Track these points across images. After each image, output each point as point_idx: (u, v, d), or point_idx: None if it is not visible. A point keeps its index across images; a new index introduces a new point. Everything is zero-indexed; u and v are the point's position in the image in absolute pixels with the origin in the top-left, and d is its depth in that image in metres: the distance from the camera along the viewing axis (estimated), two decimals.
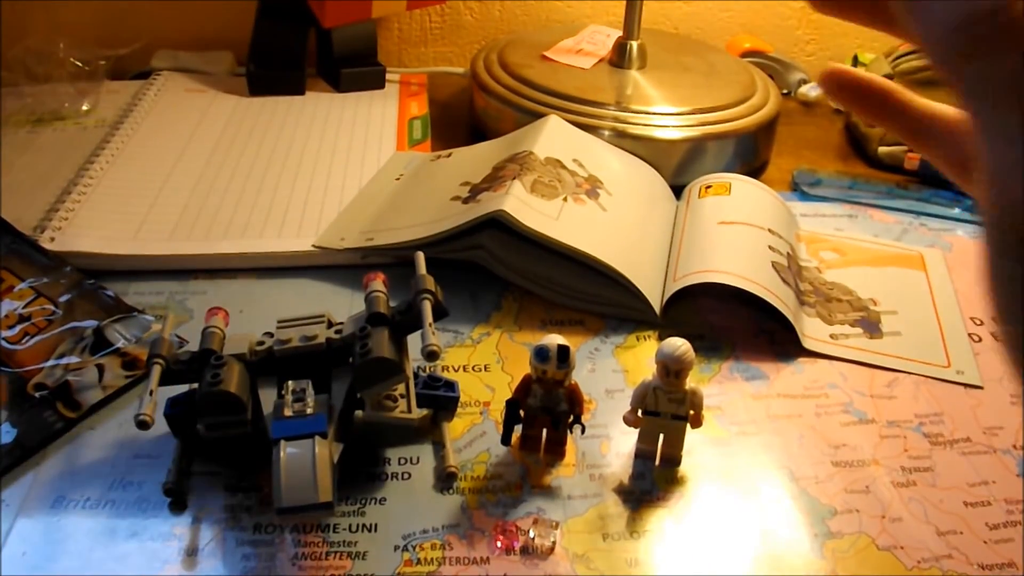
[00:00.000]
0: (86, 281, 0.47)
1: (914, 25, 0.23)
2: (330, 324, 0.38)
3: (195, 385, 0.36)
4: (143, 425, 0.32)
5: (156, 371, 0.35)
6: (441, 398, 0.40)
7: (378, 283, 0.37)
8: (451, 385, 0.40)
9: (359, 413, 0.36)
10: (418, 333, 0.35)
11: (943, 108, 0.32)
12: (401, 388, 0.37)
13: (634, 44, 0.66)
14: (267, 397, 0.36)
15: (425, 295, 0.36)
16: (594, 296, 0.48)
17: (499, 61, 0.68)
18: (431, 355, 0.33)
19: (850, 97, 0.32)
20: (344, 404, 0.35)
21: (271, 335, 0.37)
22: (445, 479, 0.37)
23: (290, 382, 0.35)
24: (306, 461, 0.32)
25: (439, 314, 0.36)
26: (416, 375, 0.39)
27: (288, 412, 0.34)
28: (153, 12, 0.78)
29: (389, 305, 0.37)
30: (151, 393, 0.34)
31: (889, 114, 0.33)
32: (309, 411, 0.34)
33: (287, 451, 0.32)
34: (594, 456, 0.39)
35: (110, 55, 0.72)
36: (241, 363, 0.36)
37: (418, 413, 0.37)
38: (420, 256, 0.38)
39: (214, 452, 0.37)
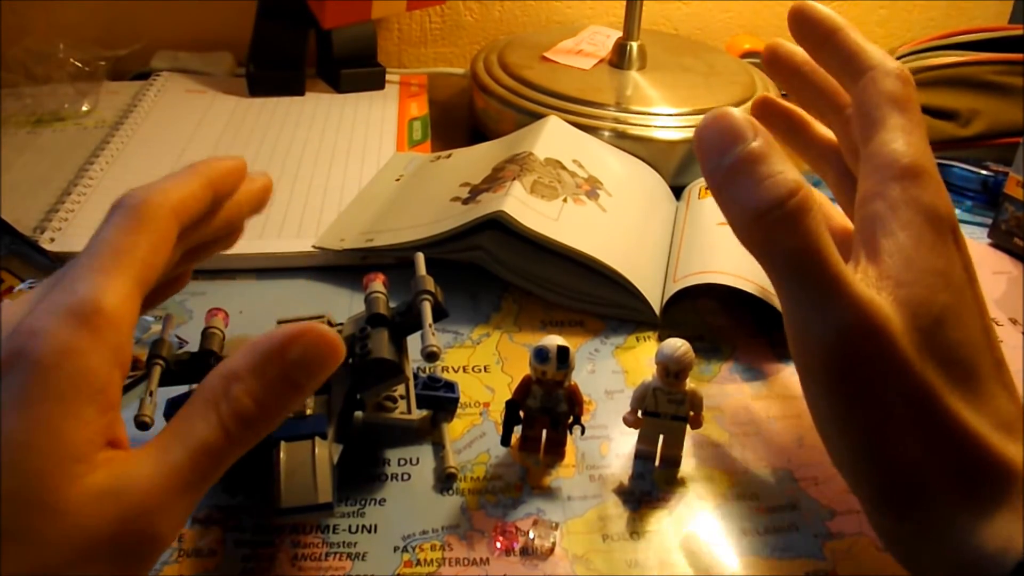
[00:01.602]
0: None
1: (729, 222, 0.30)
2: (330, 324, 0.38)
3: (195, 386, 0.36)
4: (143, 426, 0.32)
5: (156, 372, 0.35)
6: (441, 399, 0.40)
7: (378, 284, 0.37)
8: (451, 386, 0.40)
9: (359, 414, 0.36)
10: (418, 334, 0.35)
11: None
12: (401, 389, 0.37)
13: (634, 45, 0.66)
14: None
15: (425, 296, 0.36)
16: (594, 297, 0.48)
17: (499, 62, 0.68)
18: (431, 356, 0.33)
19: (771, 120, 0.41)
20: (344, 405, 0.35)
21: None
22: (445, 480, 0.37)
23: None
24: (306, 462, 0.32)
25: (439, 315, 0.36)
26: (416, 376, 0.39)
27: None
28: (153, 13, 0.78)
29: (389, 306, 0.37)
30: (151, 394, 0.34)
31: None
32: (309, 412, 0.34)
33: (287, 452, 0.32)
34: (594, 457, 0.39)
35: (110, 56, 0.72)
36: None
37: (418, 414, 0.37)
38: (420, 257, 0.38)
39: None
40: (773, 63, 0.40)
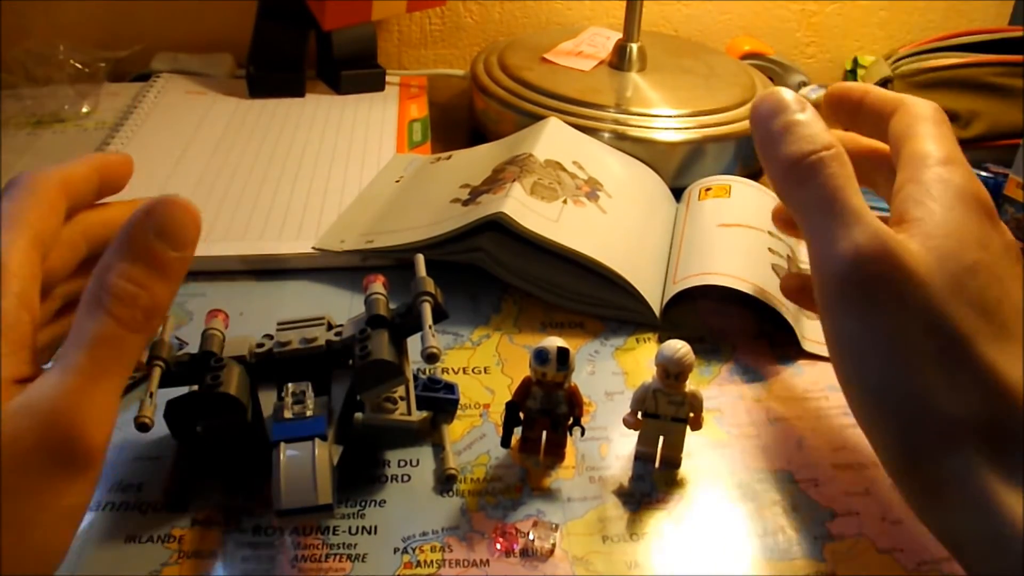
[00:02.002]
0: None
1: (768, 178, 0.33)
2: (330, 326, 0.38)
3: (195, 387, 0.36)
4: (143, 428, 0.32)
5: (156, 373, 0.35)
6: (441, 400, 0.39)
7: (378, 285, 0.37)
8: (451, 387, 0.40)
9: (359, 415, 0.36)
10: (418, 335, 0.35)
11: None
12: (401, 390, 0.37)
13: (634, 46, 0.66)
14: (266, 399, 0.36)
15: (425, 297, 0.36)
16: (594, 298, 0.48)
17: (499, 63, 0.68)
18: (431, 357, 0.33)
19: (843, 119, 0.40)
20: (344, 406, 0.35)
21: (271, 337, 0.37)
22: (445, 481, 0.37)
23: (290, 384, 0.35)
24: (306, 463, 0.32)
25: (439, 316, 0.36)
26: (416, 377, 0.39)
27: (288, 414, 0.34)
28: (153, 14, 0.78)
29: (389, 307, 0.37)
30: (151, 395, 0.34)
31: None
32: (309, 413, 0.34)
33: (287, 453, 0.32)
34: (594, 458, 0.39)
35: (110, 57, 0.72)
36: (241, 365, 0.36)
37: (418, 415, 0.37)
38: (420, 258, 0.38)
39: (214, 454, 0.37)
40: (836, 107, 0.40)
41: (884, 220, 0.31)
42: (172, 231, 0.28)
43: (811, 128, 0.32)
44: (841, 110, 0.38)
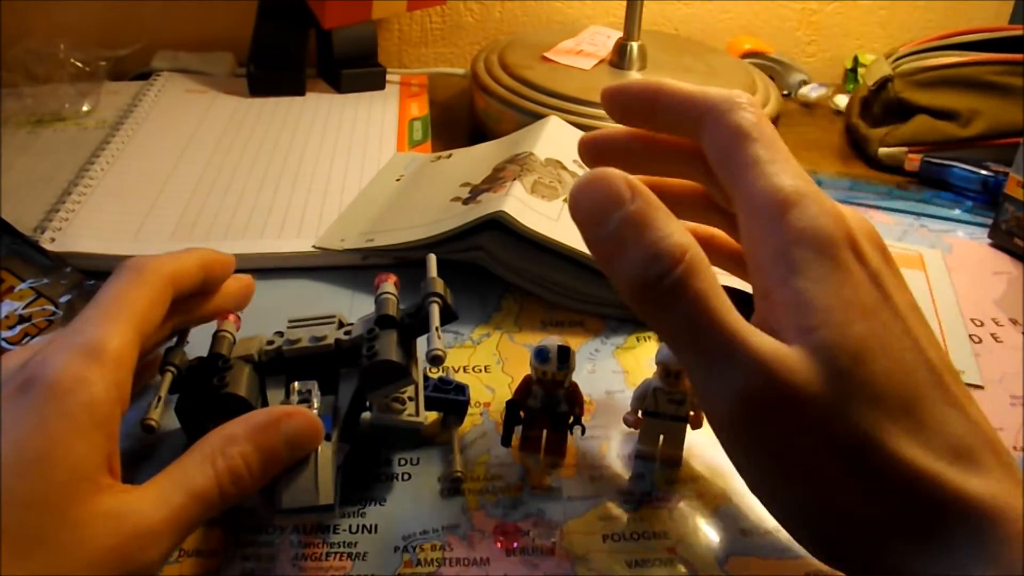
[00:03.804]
0: (86, 282, 0.47)
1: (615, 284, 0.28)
2: (341, 325, 0.38)
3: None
4: (149, 429, 0.33)
5: (167, 379, 0.35)
6: (451, 402, 0.39)
7: (389, 285, 0.37)
8: (462, 389, 0.40)
9: (366, 415, 0.36)
10: (425, 336, 0.35)
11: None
12: (410, 391, 0.37)
13: (634, 45, 0.66)
14: (275, 397, 0.36)
15: (434, 298, 0.36)
16: (594, 297, 0.48)
17: (499, 62, 0.68)
18: (435, 360, 0.33)
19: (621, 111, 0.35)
20: (351, 406, 0.35)
21: (281, 334, 0.38)
22: (451, 483, 0.37)
23: (296, 383, 0.35)
24: (308, 463, 0.32)
25: (448, 318, 0.36)
26: (427, 379, 0.39)
27: None
28: (153, 13, 0.78)
29: (399, 308, 0.37)
30: (159, 399, 0.34)
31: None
32: (314, 412, 0.34)
33: None
34: (594, 457, 0.39)
35: (110, 56, 0.72)
36: (249, 365, 0.36)
37: (426, 417, 0.37)
38: (432, 259, 0.38)
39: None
40: (596, 158, 0.36)
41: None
42: (298, 441, 0.31)
43: (656, 229, 0.26)
44: (633, 108, 0.33)
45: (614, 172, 0.27)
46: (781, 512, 0.28)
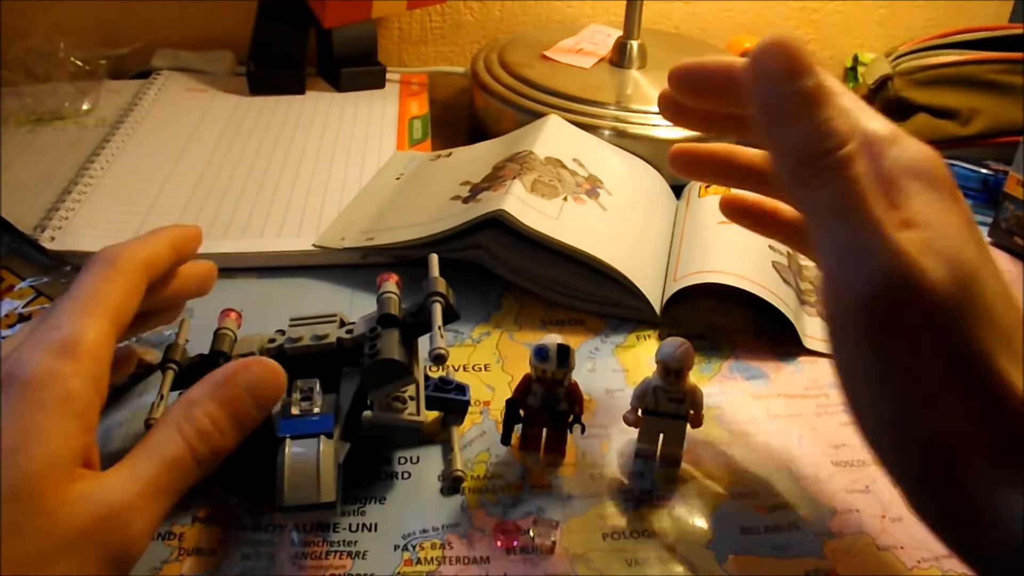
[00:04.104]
0: None
1: (771, 155, 0.29)
2: (342, 323, 0.38)
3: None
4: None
5: (168, 376, 0.35)
6: (451, 401, 0.39)
7: (391, 284, 0.37)
8: (462, 388, 0.40)
9: (367, 414, 0.36)
10: (427, 335, 0.35)
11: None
12: (411, 390, 0.37)
13: (634, 44, 0.66)
14: None
15: (436, 298, 0.36)
16: (594, 296, 0.48)
17: (499, 61, 0.68)
18: (438, 359, 0.33)
19: (694, 170, 0.38)
20: (352, 404, 0.36)
21: (283, 332, 0.38)
22: (452, 482, 0.37)
23: (298, 381, 0.35)
24: (310, 461, 0.32)
25: (450, 317, 0.36)
26: (427, 378, 0.39)
27: (295, 410, 0.34)
28: (153, 12, 0.78)
29: (401, 307, 0.37)
30: (162, 398, 0.34)
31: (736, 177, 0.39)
32: (316, 410, 0.34)
33: (292, 450, 0.32)
34: (594, 456, 0.39)
35: (110, 54, 0.72)
36: None
37: (427, 415, 0.37)
38: (434, 258, 0.38)
39: None
40: (685, 168, 0.39)
41: None
42: (260, 390, 0.31)
43: (830, 109, 0.27)
44: (703, 89, 0.33)
45: (804, 45, 0.28)
46: (880, 421, 0.27)
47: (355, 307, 0.47)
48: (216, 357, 0.36)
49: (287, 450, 0.32)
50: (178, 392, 0.36)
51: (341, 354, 0.37)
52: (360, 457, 0.37)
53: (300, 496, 0.31)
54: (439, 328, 0.34)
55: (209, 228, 0.52)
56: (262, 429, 0.35)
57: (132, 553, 0.27)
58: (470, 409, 0.40)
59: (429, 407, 0.38)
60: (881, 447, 0.28)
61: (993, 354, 0.26)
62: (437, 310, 0.35)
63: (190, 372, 0.36)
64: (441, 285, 0.36)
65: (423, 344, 0.36)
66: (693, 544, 0.35)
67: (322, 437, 0.33)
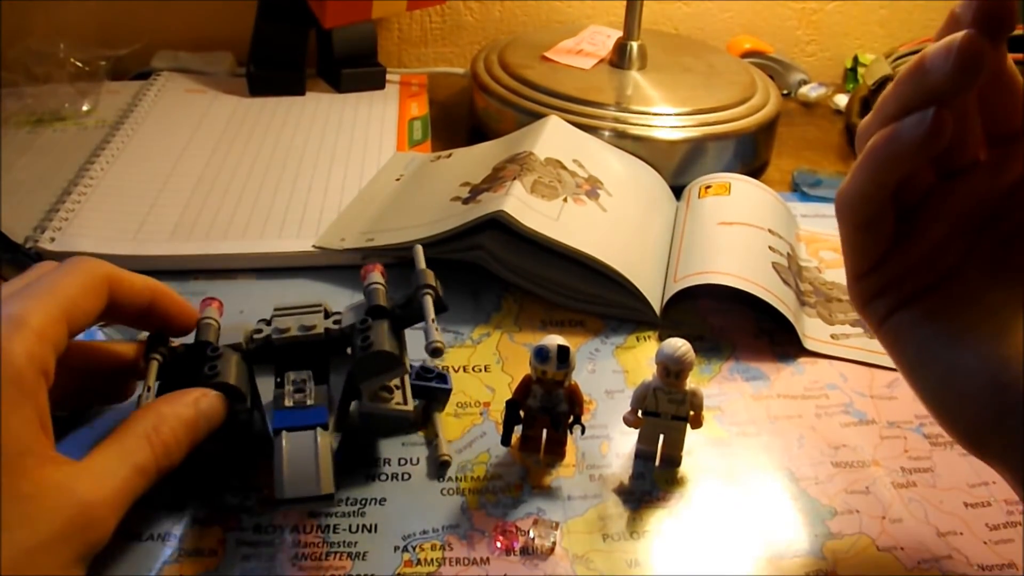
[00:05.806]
0: None
1: None
2: (327, 313, 0.38)
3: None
4: None
5: (153, 366, 0.35)
6: (433, 389, 0.40)
7: (376, 274, 0.37)
8: (443, 377, 0.40)
9: (355, 404, 0.36)
10: (418, 327, 0.35)
11: None
12: (397, 380, 0.37)
13: (634, 45, 0.66)
14: (263, 386, 0.36)
15: (427, 290, 0.36)
16: (594, 297, 0.48)
17: (499, 61, 0.68)
18: (435, 352, 0.33)
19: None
20: (341, 395, 0.36)
21: (268, 322, 0.37)
22: (439, 468, 0.37)
23: (290, 373, 0.35)
24: (309, 453, 0.32)
25: (439, 309, 0.36)
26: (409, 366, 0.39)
27: (288, 402, 0.34)
28: (153, 12, 0.78)
29: (388, 297, 0.37)
30: (149, 389, 0.34)
31: None
32: (310, 402, 0.34)
33: (289, 442, 0.32)
34: (594, 457, 0.39)
35: (110, 55, 0.72)
36: (237, 353, 0.36)
37: (413, 404, 0.37)
38: (419, 250, 0.38)
39: (212, 442, 0.37)
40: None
41: None
42: (212, 419, 0.34)
43: None
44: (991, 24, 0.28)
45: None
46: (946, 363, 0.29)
47: None
48: (203, 347, 0.36)
49: (284, 443, 0.32)
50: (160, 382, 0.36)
51: (328, 344, 0.37)
52: (351, 447, 0.37)
53: (300, 488, 0.31)
54: (432, 321, 0.34)
55: (209, 229, 0.52)
56: (255, 420, 0.35)
57: (95, 547, 0.28)
58: (470, 410, 0.40)
59: (413, 396, 0.38)
60: (948, 386, 0.30)
61: None
62: (429, 303, 0.35)
63: (175, 363, 0.36)
64: (430, 277, 0.36)
65: (409, 335, 0.36)
66: (693, 545, 0.35)
67: (318, 429, 0.33)
